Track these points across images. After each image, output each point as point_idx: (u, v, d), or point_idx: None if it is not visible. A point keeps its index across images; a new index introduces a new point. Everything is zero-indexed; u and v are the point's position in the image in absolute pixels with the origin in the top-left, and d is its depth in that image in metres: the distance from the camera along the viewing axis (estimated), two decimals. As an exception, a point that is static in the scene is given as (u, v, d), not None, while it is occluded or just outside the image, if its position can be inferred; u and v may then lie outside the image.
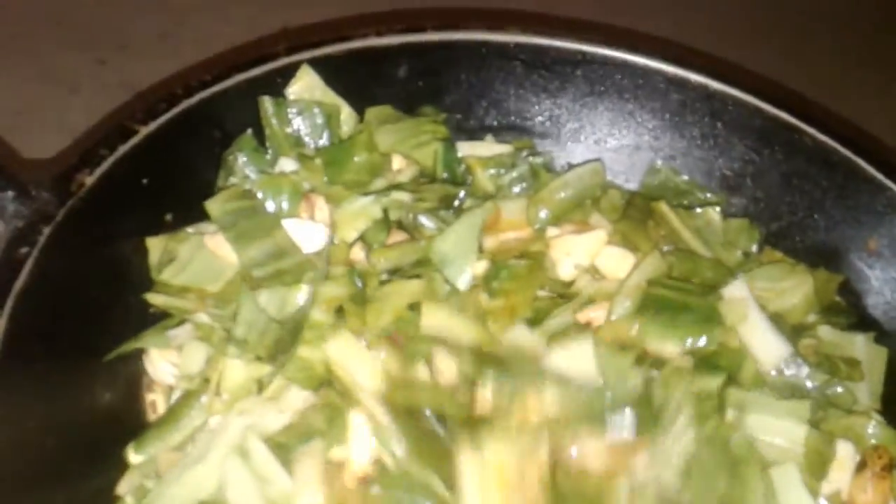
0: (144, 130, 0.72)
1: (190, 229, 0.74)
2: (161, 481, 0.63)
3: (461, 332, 0.66)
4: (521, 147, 0.87)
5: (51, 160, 0.92)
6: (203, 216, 0.72)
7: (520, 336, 0.67)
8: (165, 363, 0.70)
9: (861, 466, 0.68)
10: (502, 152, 0.85)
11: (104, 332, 0.69)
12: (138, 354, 0.71)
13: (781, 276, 0.77)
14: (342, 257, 0.71)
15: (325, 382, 0.66)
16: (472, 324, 0.67)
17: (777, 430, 0.67)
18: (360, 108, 0.84)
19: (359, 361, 0.65)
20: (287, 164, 0.77)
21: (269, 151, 0.80)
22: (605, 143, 0.89)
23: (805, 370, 0.71)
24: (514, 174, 0.83)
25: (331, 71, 0.81)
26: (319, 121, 0.81)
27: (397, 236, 0.74)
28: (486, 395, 0.64)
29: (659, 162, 0.88)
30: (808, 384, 0.71)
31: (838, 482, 0.68)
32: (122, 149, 0.71)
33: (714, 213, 0.85)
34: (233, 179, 0.76)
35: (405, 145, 0.82)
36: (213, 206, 0.71)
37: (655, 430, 0.64)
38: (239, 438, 0.62)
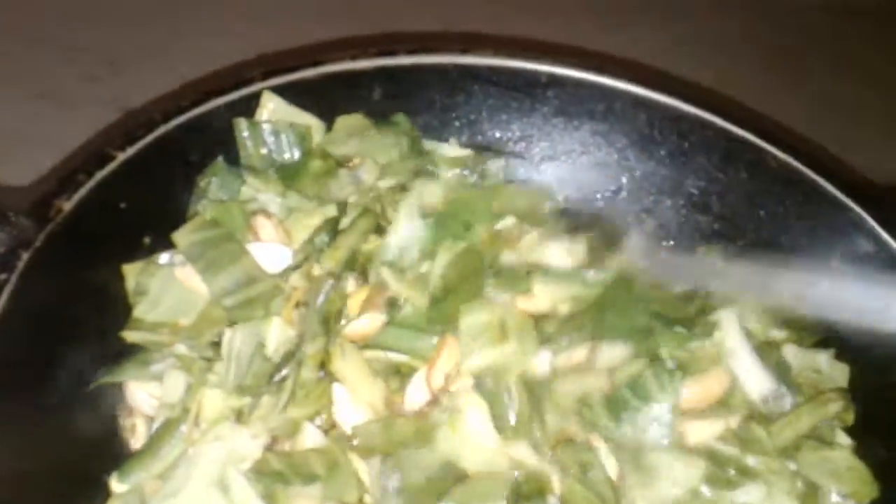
0: (122, 156, 0.74)
1: (163, 258, 0.76)
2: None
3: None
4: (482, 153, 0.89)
5: (30, 186, 0.94)
6: (178, 240, 0.74)
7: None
8: (145, 394, 0.72)
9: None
10: (465, 155, 0.88)
11: (84, 358, 0.71)
12: (119, 382, 0.73)
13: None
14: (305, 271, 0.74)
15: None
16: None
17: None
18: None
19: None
20: (252, 186, 0.79)
21: (244, 174, 0.81)
22: (577, 161, 0.91)
23: (788, 401, 0.74)
24: (475, 178, 0.86)
25: (306, 94, 0.83)
26: (292, 139, 0.82)
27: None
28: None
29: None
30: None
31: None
32: (100, 174, 0.73)
33: None
34: (204, 203, 0.78)
35: (371, 148, 0.84)
36: (180, 237, 0.73)
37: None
38: (216, 467, 0.64)
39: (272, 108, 0.81)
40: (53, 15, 1.30)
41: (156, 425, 0.71)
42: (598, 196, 0.91)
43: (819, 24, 1.48)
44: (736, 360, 0.74)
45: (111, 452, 0.71)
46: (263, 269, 0.72)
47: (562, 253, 0.79)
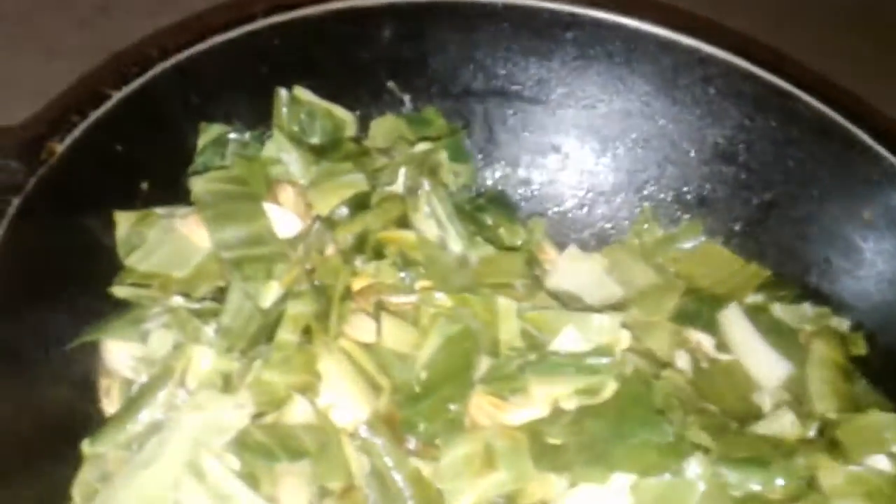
0: (117, 95, 0.70)
1: (161, 211, 0.72)
2: (109, 484, 0.59)
3: None
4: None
5: (18, 127, 0.89)
6: (178, 186, 0.70)
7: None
8: (125, 354, 0.67)
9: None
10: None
11: (68, 314, 0.66)
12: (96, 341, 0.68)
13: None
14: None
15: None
16: None
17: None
18: (345, 73, 0.82)
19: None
20: (283, 149, 0.76)
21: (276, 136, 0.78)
22: (595, 108, 0.86)
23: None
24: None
25: (312, 34, 0.79)
26: (327, 126, 0.81)
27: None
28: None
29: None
30: None
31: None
32: (95, 115, 0.68)
33: None
34: (232, 156, 0.75)
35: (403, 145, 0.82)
36: (197, 183, 0.70)
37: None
38: (193, 439, 0.59)
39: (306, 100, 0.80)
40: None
41: (135, 388, 0.66)
42: (618, 145, 0.87)
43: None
44: (746, 350, 0.73)
45: (88, 417, 0.66)
46: (274, 232, 0.69)
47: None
